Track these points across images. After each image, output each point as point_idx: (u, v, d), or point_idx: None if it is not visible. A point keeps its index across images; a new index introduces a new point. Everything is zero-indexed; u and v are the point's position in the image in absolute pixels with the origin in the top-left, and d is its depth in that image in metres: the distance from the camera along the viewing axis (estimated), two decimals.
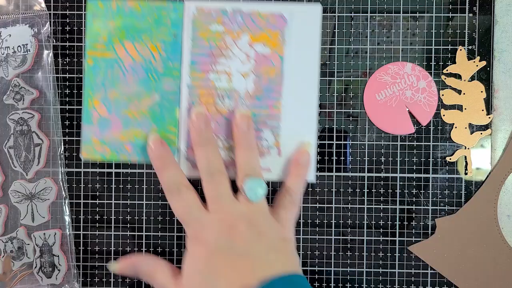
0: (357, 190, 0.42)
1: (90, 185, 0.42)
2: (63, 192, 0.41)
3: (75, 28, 0.42)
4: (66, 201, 0.42)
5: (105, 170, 0.42)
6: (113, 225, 0.42)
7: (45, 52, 0.40)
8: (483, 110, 0.41)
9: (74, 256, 0.42)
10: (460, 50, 0.42)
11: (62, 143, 0.42)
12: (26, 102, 0.40)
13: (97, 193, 0.42)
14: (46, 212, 0.41)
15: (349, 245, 0.42)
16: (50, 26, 0.41)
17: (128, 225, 0.42)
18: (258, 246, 0.35)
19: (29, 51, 0.40)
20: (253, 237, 0.35)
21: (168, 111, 0.40)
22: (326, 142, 0.42)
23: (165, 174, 0.37)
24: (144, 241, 0.42)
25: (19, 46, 0.40)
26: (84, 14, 0.41)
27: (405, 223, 0.42)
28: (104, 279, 0.42)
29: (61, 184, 0.41)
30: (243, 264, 0.34)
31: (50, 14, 0.41)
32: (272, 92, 0.40)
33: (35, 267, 0.41)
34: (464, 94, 0.42)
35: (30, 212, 0.41)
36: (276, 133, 0.40)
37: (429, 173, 0.42)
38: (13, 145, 0.41)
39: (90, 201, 0.42)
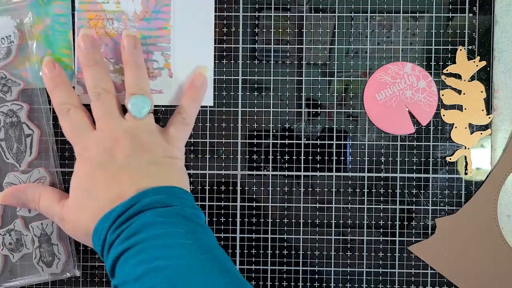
0: (357, 190, 0.42)
1: None
2: (57, 181, 0.41)
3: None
4: (62, 190, 0.42)
5: None
6: None
7: (29, 42, 0.40)
8: (483, 110, 0.41)
9: (73, 244, 0.42)
10: (460, 50, 0.41)
11: (53, 132, 0.41)
12: (14, 93, 0.40)
13: None
14: None
15: (349, 245, 0.42)
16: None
17: None
18: (140, 160, 0.36)
19: (13, 42, 0.40)
20: (135, 151, 0.36)
21: (61, 35, 0.40)
22: (326, 142, 0.42)
23: (56, 94, 0.38)
24: None
25: (2, 38, 0.40)
26: None
27: (405, 223, 0.42)
28: (104, 271, 0.42)
29: (55, 173, 0.41)
30: (124, 176, 0.35)
31: None
32: (161, 13, 0.40)
33: (35, 258, 0.41)
34: (464, 94, 0.42)
35: None
36: (166, 55, 0.40)
37: (429, 173, 0.42)
38: (4, 137, 0.40)
39: None
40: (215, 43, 0.42)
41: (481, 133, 0.41)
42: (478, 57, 0.41)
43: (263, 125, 0.42)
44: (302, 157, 0.42)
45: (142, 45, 0.40)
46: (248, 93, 0.42)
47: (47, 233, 0.41)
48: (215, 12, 0.41)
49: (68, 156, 0.42)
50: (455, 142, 0.42)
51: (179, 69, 0.41)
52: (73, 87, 0.41)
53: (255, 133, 0.42)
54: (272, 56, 0.42)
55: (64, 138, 0.42)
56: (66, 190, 0.42)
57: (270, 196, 0.42)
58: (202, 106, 0.42)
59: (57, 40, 0.40)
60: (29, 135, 0.41)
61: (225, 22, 0.42)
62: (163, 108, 0.41)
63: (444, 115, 0.42)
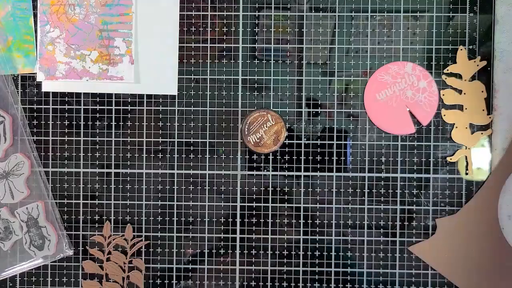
0: (357, 190, 0.42)
1: (89, 185, 0.42)
2: (36, 163, 0.41)
3: None
4: (42, 172, 0.41)
5: (105, 170, 0.42)
6: (113, 225, 0.42)
7: None
8: (483, 110, 0.41)
9: (61, 224, 0.42)
10: (461, 49, 0.41)
11: (24, 116, 0.41)
12: None
13: (97, 193, 0.42)
14: (24, 186, 0.41)
15: (349, 245, 0.42)
16: None
17: (128, 225, 0.42)
18: None
19: None
20: None
21: (22, 21, 0.40)
22: (326, 142, 0.42)
23: None
24: (144, 241, 0.42)
25: None
26: None
27: (406, 223, 0.42)
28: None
29: (32, 156, 0.41)
30: None
31: None
32: None
33: (26, 243, 0.41)
34: (464, 94, 0.41)
35: (8, 190, 0.41)
36: (127, 41, 0.41)
37: (429, 173, 0.42)
38: None
39: (89, 201, 0.42)
40: (214, 43, 0.41)
41: (482, 133, 0.41)
42: (479, 57, 0.41)
43: None
44: (302, 157, 0.42)
45: (104, 31, 0.40)
46: (248, 93, 0.42)
47: (33, 217, 0.41)
48: (214, 11, 0.41)
49: (67, 157, 0.42)
50: (455, 142, 0.41)
51: (141, 56, 0.40)
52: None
53: None
54: (272, 56, 0.42)
55: (63, 138, 0.42)
56: (64, 188, 0.42)
57: (270, 196, 0.42)
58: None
59: (19, 26, 0.40)
60: (0, 122, 0.41)
61: (225, 21, 0.42)
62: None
63: (444, 115, 0.41)
